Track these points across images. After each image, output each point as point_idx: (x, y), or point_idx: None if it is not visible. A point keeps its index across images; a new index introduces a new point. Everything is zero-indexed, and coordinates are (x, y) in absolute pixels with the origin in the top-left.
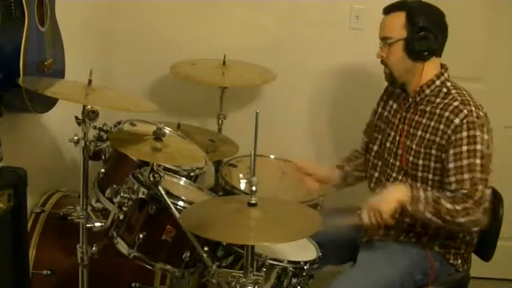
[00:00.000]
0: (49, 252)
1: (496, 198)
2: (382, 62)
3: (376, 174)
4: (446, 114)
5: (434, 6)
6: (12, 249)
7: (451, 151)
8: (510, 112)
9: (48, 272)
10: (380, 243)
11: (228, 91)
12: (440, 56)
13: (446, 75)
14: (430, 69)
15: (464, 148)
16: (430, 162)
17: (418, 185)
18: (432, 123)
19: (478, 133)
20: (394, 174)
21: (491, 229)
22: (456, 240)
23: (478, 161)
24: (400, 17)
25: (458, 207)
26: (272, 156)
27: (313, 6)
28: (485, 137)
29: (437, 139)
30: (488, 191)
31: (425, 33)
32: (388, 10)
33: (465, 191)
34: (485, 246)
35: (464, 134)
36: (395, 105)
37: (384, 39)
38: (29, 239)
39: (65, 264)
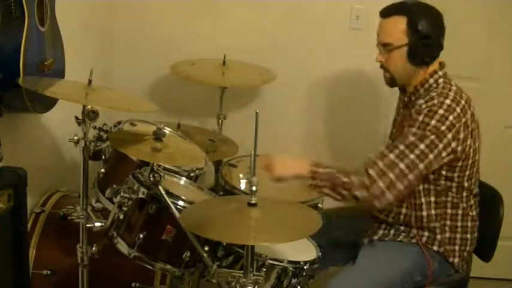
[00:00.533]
0: (49, 252)
1: (496, 198)
2: (382, 66)
3: None
4: (421, 102)
5: (432, 6)
6: (12, 249)
7: (405, 129)
8: (510, 112)
9: (48, 272)
10: (380, 243)
11: (228, 91)
12: (438, 57)
13: (440, 73)
14: (429, 70)
15: (412, 130)
16: None
17: None
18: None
19: (433, 122)
20: None
21: (491, 229)
22: (455, 240)
23: (412, 156)
24: (400, 22)
25: (354, 179)
26: None
27: (313, 6)
28: (442, 128)
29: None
30: (391, 175)
31: (429, 40)
32: (386, 13)
33: (366, 164)
34: (485, 246)
35: (421, 118)
36: (400, 104)
37: (384, 45)
38: (29, 239)
39: (65, 264)
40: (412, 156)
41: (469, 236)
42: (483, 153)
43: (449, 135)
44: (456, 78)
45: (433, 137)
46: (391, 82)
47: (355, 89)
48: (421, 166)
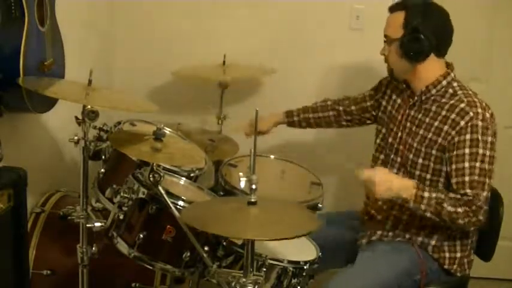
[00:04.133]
0: (49, 252)
1: (496, 198)
2: (385, 59)
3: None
4: (453, 116)
5: (439, 6)
6: (12, 249)
7: (454, 152)
8: (510, 112)
9: (48, 272)
10: (379, 243)
11: (228, 91)
12: (443, 57)
13: (452, 75)
14: (432, 69)
15: (467, 151)
16: (430, 162)
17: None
18: (436, 123)
19: (480, 137)
20: (394, 170)
21: (491, 229)
22: (452, 244)
23: (477, 164)
24: (399, 17)
25: (459, 210)
26: (272, 156)
27: (313, 6)
28: (489, 139)
29: (440, 139)
30: (485, 194)
31: (417, 35)
32: (392, 8)
33: (469, 197)
34: (485, 246)
35: (468, 136)
36: (399, 101)
37: (385, 37)
38: (29, 239)
39: (65, 264)
40: (488, 181)
41: (467, 243)
42: None
43: (494, 140)
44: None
45: (488, 152)
46: (391, 75)
47: (355, 89)
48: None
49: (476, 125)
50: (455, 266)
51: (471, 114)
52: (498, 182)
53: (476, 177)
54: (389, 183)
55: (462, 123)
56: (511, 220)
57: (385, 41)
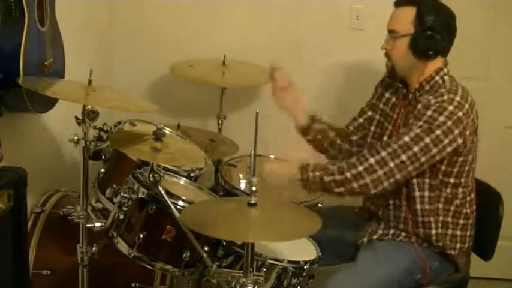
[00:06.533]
0: (49, 252)
1: (496, 198)
2: (386, 54)
3: None
4: (433, 100)
5: (447, 6)
6: (12, 249)
7: (410, 121)
8: (510, 112)
9: (48, 272)
10: (380, 242)
11: (228, 91)
12: (445, 56)
13: (445, 70)
14: (432, 67)
15: (420, 123)
16: None
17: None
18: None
19: (441, 118)
20: None
21: (491, 229)
22: (452, 240)
23: (416, 149)
24: (410, 12)
25: (337, 178)
26: (272, 156)
27: (313, 6)
28: (449, 123)
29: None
30: (392, 163)
31: (433, 33)
32: (399, 3)
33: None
34: (485, 246)
35: (429, 112)
36: (394, 99)
37: (391, 32)
38: (29, 239)
39: (65, 264)
40: (416, 148)
41: (458, 232)
42: (483, 153)
43: (456, 131)
44: (457, 79)
45: (439, 132)
46: (392, 71)
47: (355, 89)
48: (423, 159)
49: (445, 108)
50: (458, 261)
51: (445, 97)
52: (498, 181)
53: (396, 147)
54: (276, 173)
55: (433, 101)
56: (511, 220)
57: (389, 36)
